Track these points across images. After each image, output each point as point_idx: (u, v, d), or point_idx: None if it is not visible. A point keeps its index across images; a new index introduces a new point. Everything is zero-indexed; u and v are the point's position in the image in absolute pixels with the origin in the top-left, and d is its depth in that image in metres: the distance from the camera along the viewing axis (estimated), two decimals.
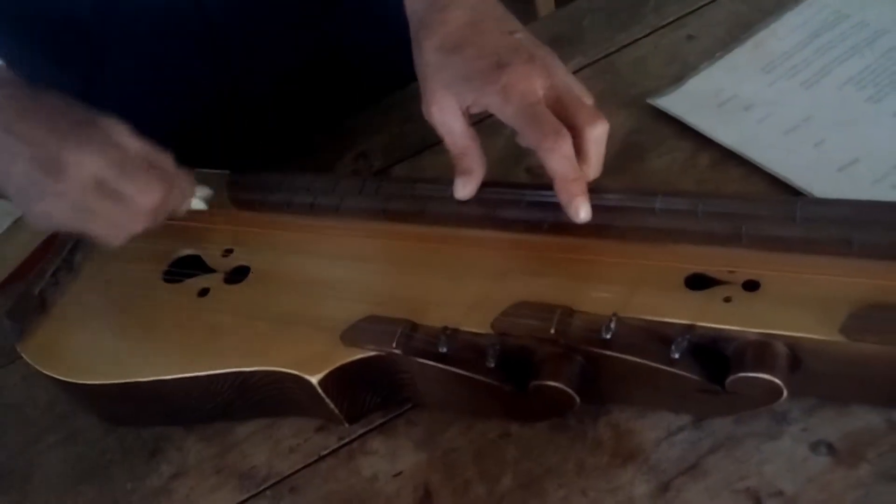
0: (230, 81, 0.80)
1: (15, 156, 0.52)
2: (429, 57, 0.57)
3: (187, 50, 0.77)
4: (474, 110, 0.56)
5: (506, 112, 0.54)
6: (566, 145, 0.52)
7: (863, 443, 0.47)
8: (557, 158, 0.52)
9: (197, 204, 0.61)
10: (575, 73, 0.75)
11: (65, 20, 0.70)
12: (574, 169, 0.53)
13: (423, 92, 0.58)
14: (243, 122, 0.81)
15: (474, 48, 0.55)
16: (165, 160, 0.56)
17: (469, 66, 0.55)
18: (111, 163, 0.53)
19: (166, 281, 0.61)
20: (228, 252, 0.61)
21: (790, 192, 0.59)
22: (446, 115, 0.57)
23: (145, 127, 0.57)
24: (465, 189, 0.58)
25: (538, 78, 0.54)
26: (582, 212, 0.53)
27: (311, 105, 0.85)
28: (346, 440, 0.56)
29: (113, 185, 0.53)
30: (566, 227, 0.54)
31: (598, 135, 0.53)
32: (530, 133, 0.53)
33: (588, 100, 0.56)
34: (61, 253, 0.64)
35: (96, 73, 0.77)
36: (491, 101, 0.54)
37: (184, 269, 0.61)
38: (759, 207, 0.52)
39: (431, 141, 0.74)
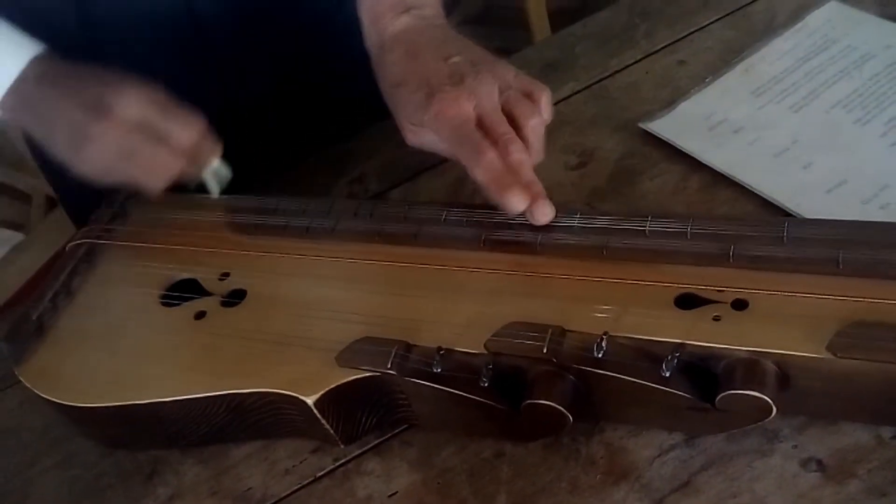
0: (224, 95, 0.80)
1: (62, 107, 0.58)
2: (385, 95, 0.62)
3: (180, 64, 0.77)
4: (427, 134, 0.60)
5: (440, 137, 0.58)
6: (485, 158, 0.55)
7: (852, 459, 0.47)
8: (479, 171, 0.55)
9: (218, 170, 0.64)
10: (568, 98, 0.77)
11: (53, 33, 0.71)
12: (495, 171, 0.55)
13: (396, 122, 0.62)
14: (237, 138, 0.82)
15: (410, 83, 0.59)
16: (196, 116, 0.60)
17: (409, 101, 0.59)
18: (152, 103, 0.58)
19: (163, 305, 0.61)
20: (225, 275, 0.62)
21: (780, 213, 0.60)
22: (422, 137, 0.60)
23: None
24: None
25: (465, 101, 0.57)
26: (515, 202, 0.55)
27: (305, 122, 0.85)
28: (342, 461, 0.56)
29: (155, 122, 0.58)
30: (558, 249, 0.55)
31: (534, 124, 0.57)
32: (459, 157, 0.57)
33: (537, 93, 0.59)
34: (59, 277, 0.65)
35: None
36: (430, 128, 0.58)
37: (181, 292, 0.62)
38: (748, 228, 0.52)
39: (427, 165, 0.75)
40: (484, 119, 0.57)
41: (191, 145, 0.60)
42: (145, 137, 0.58)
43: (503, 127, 0.57)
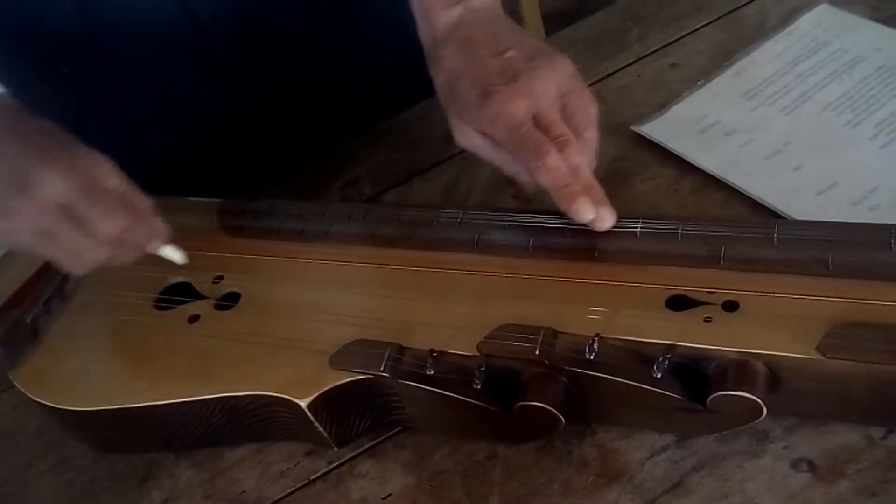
0: (223, 97, 0.81)
1: None
2: (439, 92, 0.59)
3: (179, 66, 0.77)
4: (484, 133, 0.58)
5: (497, 138, 0.56)
6: (549, 159, 0.53)
7: (842, 459, 0.47)
8: (543, 174, 0.53)
9: (170, 253, 0.60)
10: None
11: (56, 38, 0.71)
12: (561, 177, 0.53)
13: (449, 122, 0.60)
14: (236, 141, 0.82)
15: (464, 81, 0.57)
16: (142, 199, 0.57)
17: (463, 101, 0.57)
18: (78, 187, 0.53)
19: (157, 308, 0.61)
20: (219, 279, 0.62)
21: (770, 215, 0.61)
22: (472, 139, 0.58)
23: (139, 144, 0.57)
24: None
25: (520, 99, 0.54)
26: (583, 211, 0.53)
27: (301, 128, 0.86)
28: (336, 464, 0.56)
29: (75, 209, 0.53)
30: (550, 251, 0.56)
31: (573, 150, 0.54)
32: (519, 158, 0.55)
33: (589, 107, 0.56)
34: (53, 281, 0.65)
35: (92, 91, 0.78)
36: (486, 130, 0.56)
37: (175, 296, 0.62)
38: (738, 230, 0.53)
39: (421, 168, 0.76)
40: (539, 119, 0.54)
41: (115, 236, 0.55)
42: (65, 222, 0.54)
43: (560, 128, 0.54)
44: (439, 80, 0.59)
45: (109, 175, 0.55)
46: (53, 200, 0.53)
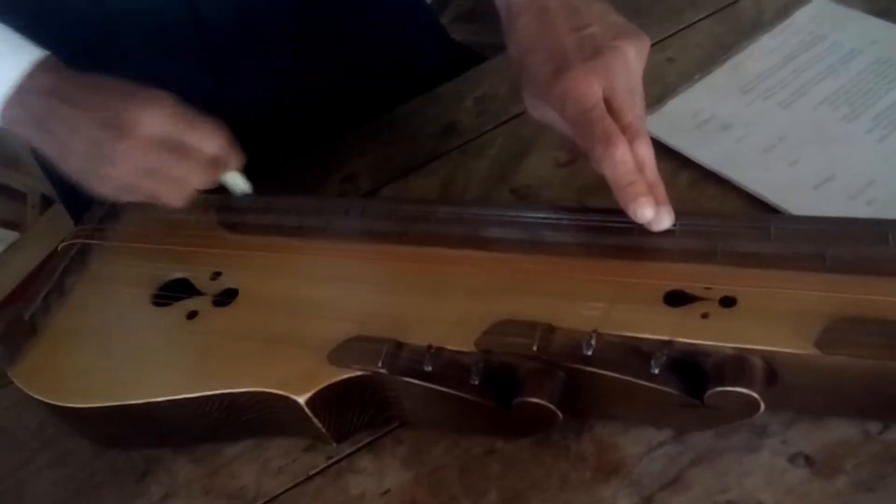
0: (225, 95, 0.81)
1: (78, 125, 0.56)
2: (513, 62, 0.57)
3: (183, 61, 0.77)
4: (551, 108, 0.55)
5: (565, 117, 0.53)
6: (617, 151, 0.50)
7: (840, 454, 0.48)
8: (609, 166, 0.51)
9: (235, 180, 0.63)
10: None
11: (61, 35, 0.71)
12: (628, 173, 0.51)
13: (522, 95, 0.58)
14: (234, 137, 0.82)
15: (539, 53, 0.54)
16: (216, 125, 0.59)
17: (536, 74, 0.54)
18: (173, 117, 0.56)
19: (156, 304, 0.61)
20: (217, 275, 0.62)
21: (767, 209, 0.61)
22: (544, 113, 0.56)
23: None
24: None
25: (595, 79, 0.51)
26: (642, 211, 0.52)
27: (298, 123, 0.86)
28: (334, 459, 0.56)
29: (176, 137, 0.56)
30: (548, 246, 0.56)
31: (646, 141, 0.52)
32: (584, 142, 0.52)
33: (638, 109, 0.53)
34: (52, 277, 0.65)
35: None
36: (553, 106, 0.54)
37: (173, 292, 0.62)
38: (735, 225, 0.53)
39: (419, 162, 0.76)
40: (614, 101, 0.52)
41: (213, 157, 0.58)
42: (168, 154, 0.56)
43: (632, 116, 0.52)
44: (514, 50, 0.56)
45: (184, 108, 0.58)
46: (154, 136, 0.55)
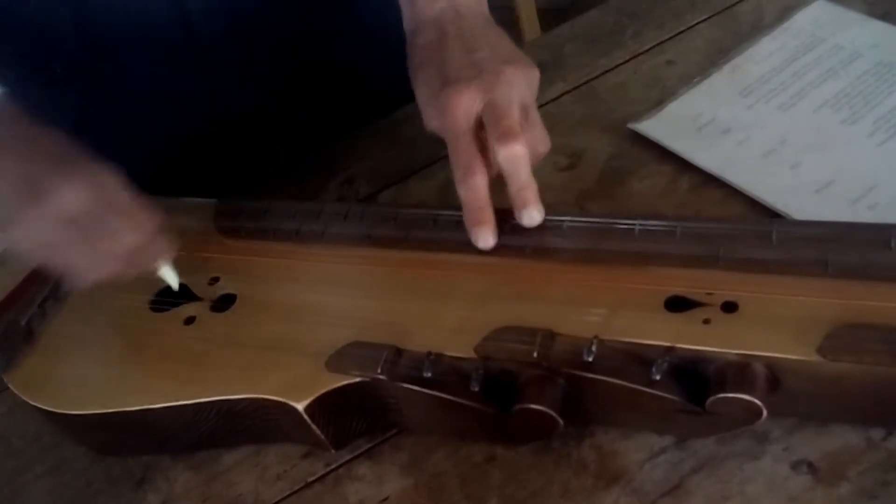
0: (217, 101, 0.80)
1: (1, 177, 0.52)
2: (411, 75, 0.61)
3: (174, 68, 0.77)
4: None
5: (442, 132, 0.57)
6: (473, 180, 0.55)
7: (843, 461, 0.47)
8: (463, 189, 0.56)
9: (168, 274, 0.60)
10: (556, 99, 0.77)
11: (49, 38, 0.71)
12: (477, 200, 0.56)
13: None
14: (231, 142, 0.82)
15: (430, 67, 0.58)
16: (151, 215, 0.55)
17: (425, 86, 0.59)
18: (93, 199, 0.52)
19: (153, 310, 0.61)
20: (215, 280, 0.62)
21: (768, 213, 0.60)
22: (434, 123, 0.59)
23: (132, 145, 0.56)
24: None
25: (476, 94, 0.55)
26: (480, 240, 0.56)
27: (296, 128, 0.85)
28: (333, 466, 0.56)
29: (90, 221, 0.52)
30: (548, 252, 0.55)
31: (505, 156, 0.54)
32: (451, 160, 0.57)
33: (516, 116, 0.55)
34: (48, 283, 0.65)
35: (86, 93, 0.78)
36: (438, 118, 0.57)
37: (170, 297, 0.61)
38: (736, 230, 0.53)
39: (418, 167, 0.75)
40: (492, 111, 0.55)
41: (125, 252, 0.54)
42: (77, 235, 0.52)
43: (508, 120, 0.54)
44: (410, 64, 0.61)
45: (121, 189, 0.54)
46: (66, 213, 0.51)
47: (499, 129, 0.54)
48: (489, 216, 0.56)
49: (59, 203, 0.51)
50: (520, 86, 0.57)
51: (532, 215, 0.56)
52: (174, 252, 0.59)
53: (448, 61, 0.58)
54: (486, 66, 0.56)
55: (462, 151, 0.56)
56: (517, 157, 0.54)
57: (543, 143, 0.58)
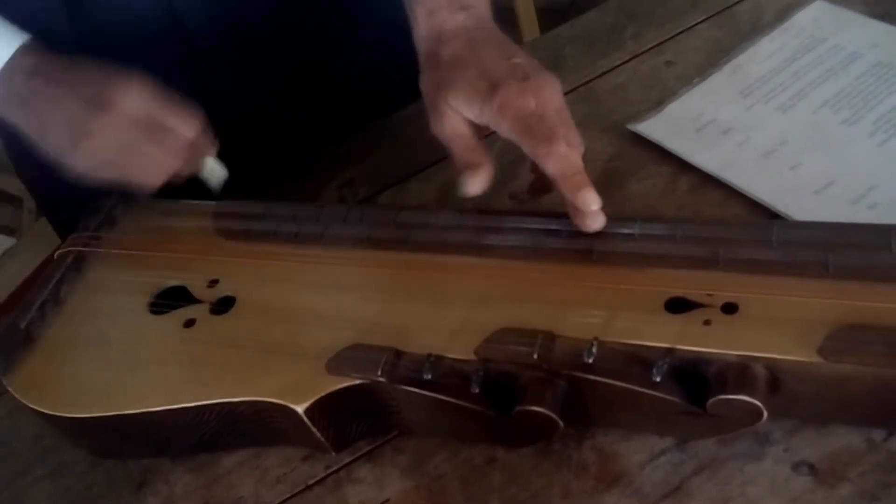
0: (213, 104, 0.80)
1: (61, 100, 0.58)
2: (434, 80, 0.60)
3: (169, 72, 0.77)
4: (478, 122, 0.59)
5: (503, 128, 0.56)
6: (560, 146, 0.54)
7: (844, 462, 0.47)
8: (553, 160, 0.54)
9: (214, 168, 0.64)
10: None
11: (42, 38, 0.71)
12: (571, 165, 0.54)
13: (431, 114, 0.60)
14: (228, 146, 0.82)
15: (471, 70, 0.58)
16: (196, 111, 0.60)
17: (465, 88, 0.58)
18: (154, 98, 0.58)
19: (152, 312, 0.61)
20: (214, 282, 0.61)
21: (768, 214, 0.60)
22: (451, 123, 0.59)
23: None
24: (474, 184, 0.58)
25: (531, 97, 0.55)
26: (591, 201, 0.54)
27: (294, 130, 0.85)
28: (333, 468, 0.56)
29: (156, 117, 0.57)
30: (548, 253, 0.55)
31: (557, 153, 0.54)
32: (526, 143, 0.55)
33: (567, 128, 0.57)
34: (47, 286, 0.64)
35: None
36: (489, 120, 0.57)
37: (170, 300, 0.61)
38: (736, 231, 0.53)
39: (417, 168, 0.75)
40: (546, 118, 0.56)
41: (190, 142, 0.59)
42: (146, 133, 0.58)
43: (565, 128, 0.55)
44: (437, 71, 0.60)
45: (164, 93, 0.59)
46: (134, 114, 0.57)
47: (545, 130, 0.55)
48: (587, 178, 0.54)
49: (126, 106, 0.57)
50: (559, 93, 0.57)
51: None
52: (216, 147, 0.64)
53: (490, 66, 0.58)
54: (527, 70, 0.57)
55: (538, 126, 0.55)
56: (566, 154, 0.54)
57: (579, 142, 0.57)
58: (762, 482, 0.48)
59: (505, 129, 0.56)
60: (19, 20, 0.67)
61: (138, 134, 0.58)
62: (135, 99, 0.57)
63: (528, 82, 0.56)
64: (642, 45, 0.80)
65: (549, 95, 0.56)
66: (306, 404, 0.51)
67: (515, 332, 0.51)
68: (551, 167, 0.54)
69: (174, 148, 0.59)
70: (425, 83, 0.61)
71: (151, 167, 0.60)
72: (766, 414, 0.45)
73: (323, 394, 0.52)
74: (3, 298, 0.90)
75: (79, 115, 0.57)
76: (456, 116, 0.59)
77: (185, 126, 0.59)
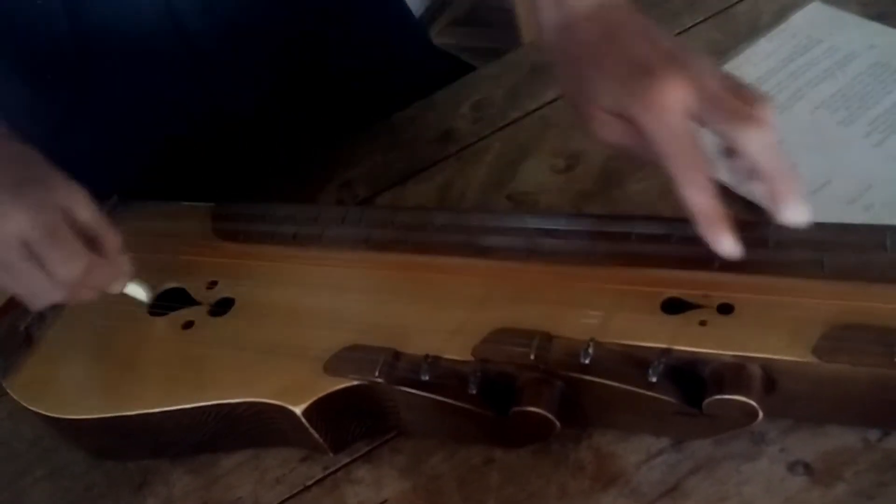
0: (213, 105, 0.81)
1: None
2: (568, 78, 0.54)
3: (166, 73, 0.77)
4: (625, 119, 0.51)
5: (648, 131, 0.48)
6: (701, 178, 0.47)
7: (839, 462, 0.47)
8: (692, 191, 0.48)
9: (133, 293, 0.60)
10: (554, 101, 0.77)
11: (44, 44, 0.71)
12: (711, 203, 0.48)
13: (580, 118, 0.53)
14: (225, 147, 0.82)
15: (611, 61, 0.51)
16: (110, 238, 0.55)
17: (609, 79, 0.50)
18: (40, 226, 0.52)
19: (151, 314, 0.61)
20: (213, 284, 0.62)
21: (764, 215, 0.60)
22: (606, 131, 0.52)
23: (127, 150, 0.56)
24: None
25: (688, 84, 0.47)
26: (728, 247, 0.48)
27: (293, 132, 0.85)
28: (332, 469, 0.56)
29: (35, 248, 0.52)
30: (545, 254, 0.55)
31: (759, 140, 0.47)
32: (667, 161, 0.48)
33: (757, 100, 0.48)
34: None
35: (76, 98, 0.78)
36: (635, 116, 0.49)
37: (168, 302, 0.61)
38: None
39: (416, 169, 0.75)
40: (713, 100, 0.47)
41: (73, 279, 0.53)
42: (24, 257, 0.52)
43: (735, 103, 0.47)
44: (572, 65, 0.53)
45: (81, 209, 0.54)
46: (16, 237, 0.51)
47: (740, 113, 0.47)
48: (724, 213, 0.48)
49: (8, 226, 0.51)
50: (719, 73, 0.50)
51: (797, 211, 0.48)
52: (132, 271, 0.58)
53: (638, 52, 0.50)
54: (680, 53, 0.49)
55: (683, 146, 0.48)
56: (770, 139, 0.47)
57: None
58: (758, 482, 0.48)
59: (650, 134, 0.48)
60: (19, 22, 0.68)
61: (15, 258, 0.52)
62: (17, 219, 0.51)
63: (682, 69, 0.48)
64: None
65: (711, 75, 0.49)
66: (304, 405, 0.52)
67: (513, 333, 0.51)
68: (690, 197, 0.48)
69: (59, 278, 0.53)
70: (565, 83, 0.55)
71: (29, 291, 0.54)
72: (761, 414, 0.45)
73: (321, 395, 0.52)
74: (2, 300, 0.89)
75: None
76: (602, 116, 0.51)
77: (63, 265, 0.52)
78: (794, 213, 0.48)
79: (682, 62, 0.48)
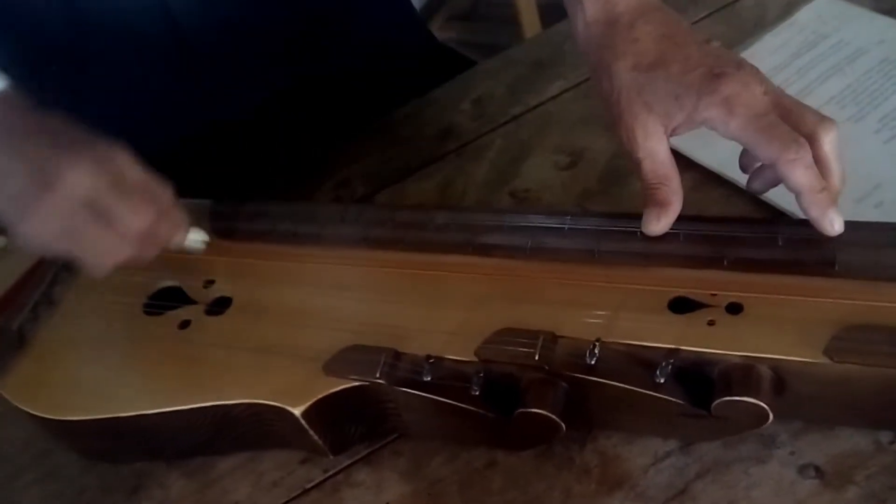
0: (207, 105, 0.80)
1: (11, 172, 0.51)
2: (623, 79, 0.53)
3: (163, 72, 0.77)
4: (683, 130, 0.52)
5: (730, 126, 0.49)
6: (808, 155, 0.48)
7: (850, 465, 0.47)
8: (802, 170, 0.48)
9: (192, 243, 0.59)
10: (556, 96, 0.76)
11: (40, 44, 0.70)
12: (819, 179, 0.48)
13: (619, 117, 0.53)
14: (223, 146, 0.81)
15: (678, 62, 0.51)
16: (164, 190, 0.54)
17: (677, 82, 0.51)
18: (104, 182, 0.51)
19: (147, 313, 0.60)
20: (210, 283, 0.61)
21: (772, 212, 0.59)
22: (651, 141, 0.52)
23: (127, 147, 0.55)
24: (659, 223, 0.52)
25: (757, 85, 0.49)
26: (837, 224, 0.49)
27: (291, 131, 0.85)
28: (331, 472, 0.55)
29: (103, 204, 0.51)
30: (549, 252, 0.54)
31: (832, 138, 0.49)
32: (764, 147, 0.49)
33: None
34: (41, 287, 0.64)
35: (74, 98, 0.77)
36: (711, 115, 0.50)
37: (165, 300, 0.60)
38: (741, 230, 0.52)
39: (414, 167, 0.74)
40: (783, 105, 0.49)
41: (142, 231, 0.52)
42: (91, 218, 0.51)
43: (809, 114, 0.49)
44: (625, 63, 0.53)
45: (131, 167, 0.53)
46: (79, 197, 0.50)
47: (810, 116, 0.49)
48: (834, 196, 0.49)
49: (69, 187, 0.50)
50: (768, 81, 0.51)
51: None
52: (189, 224, 0.57)
53: (697, 53, 0.51)
54: (735, 57, 0.51)
55: (779, 130, 0.48)
56: (836, 140, 0.49)
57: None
58: (768, 485, 0.47)
59: (733, 129, 0.49)
60: (14, 23, 0.67)
61: (82, 219, 0.51)
62: (79, 180, 0.50)
63: (747, 69, 0.50)
64: None
65: (770, 83, 0.50)
66: (303, 407, 0.51)
67: (516, 333, 0.50)
68: (798, 178, 0.48)
69: (122, 235, 0.52)
70: (610, 82, 0.53)
71: (97, 253, 0.53)
72: (771, 416, 0.44)
73: (320, 396, 0.51)
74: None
75: (22, 189, 0.51)
76: (655, 124, 0.51)
77: (133, 216, 0.52)
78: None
79: (738, 61, 0.50)
